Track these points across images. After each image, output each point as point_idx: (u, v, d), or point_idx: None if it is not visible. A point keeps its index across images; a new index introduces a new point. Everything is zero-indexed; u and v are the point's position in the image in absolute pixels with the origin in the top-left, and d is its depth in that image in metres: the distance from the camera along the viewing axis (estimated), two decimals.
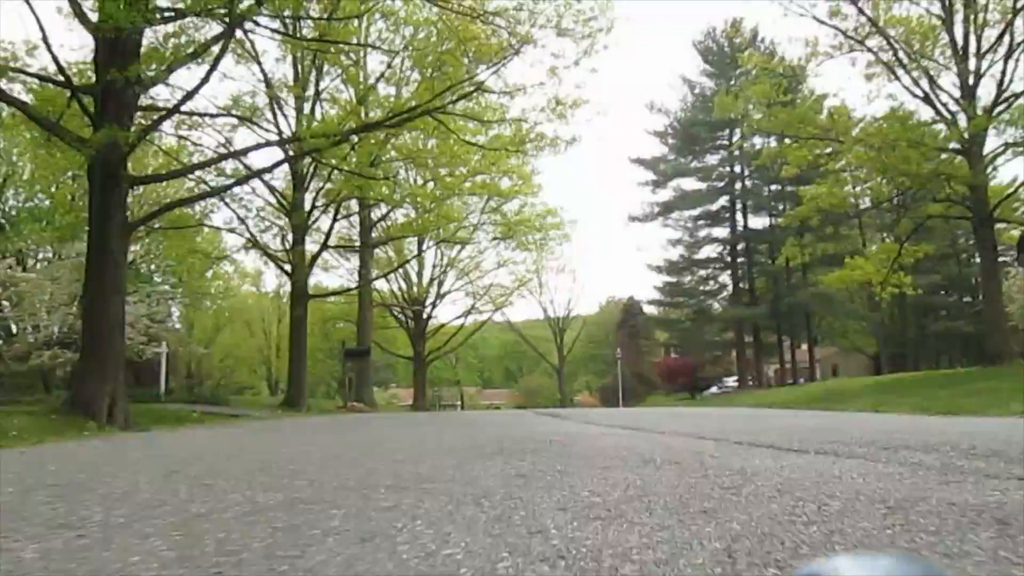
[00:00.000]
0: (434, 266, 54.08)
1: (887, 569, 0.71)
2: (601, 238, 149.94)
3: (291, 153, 22.08)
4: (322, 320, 56.23)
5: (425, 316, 53.71)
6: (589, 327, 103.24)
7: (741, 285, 52.55)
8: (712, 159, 53.71)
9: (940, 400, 16.61)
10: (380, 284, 53.23)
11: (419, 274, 53.52)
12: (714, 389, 68.49)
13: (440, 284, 54.36)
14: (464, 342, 64.06)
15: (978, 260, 57.42)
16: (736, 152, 52.85)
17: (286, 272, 31.63)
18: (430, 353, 54.54)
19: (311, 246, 33.49)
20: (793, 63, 30.25)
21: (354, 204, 35.36)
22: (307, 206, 31.27)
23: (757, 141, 53.84)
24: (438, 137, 24.19)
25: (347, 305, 58.82)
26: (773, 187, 52.52)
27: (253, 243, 30.74)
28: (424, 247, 47.56)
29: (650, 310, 58.94)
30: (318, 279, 51.13)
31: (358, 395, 39.18)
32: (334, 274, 50.94)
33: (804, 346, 57.32)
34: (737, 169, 53.02)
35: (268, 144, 21.19)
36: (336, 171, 29.81)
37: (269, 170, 23.03)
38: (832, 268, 55.83)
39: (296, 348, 30.86)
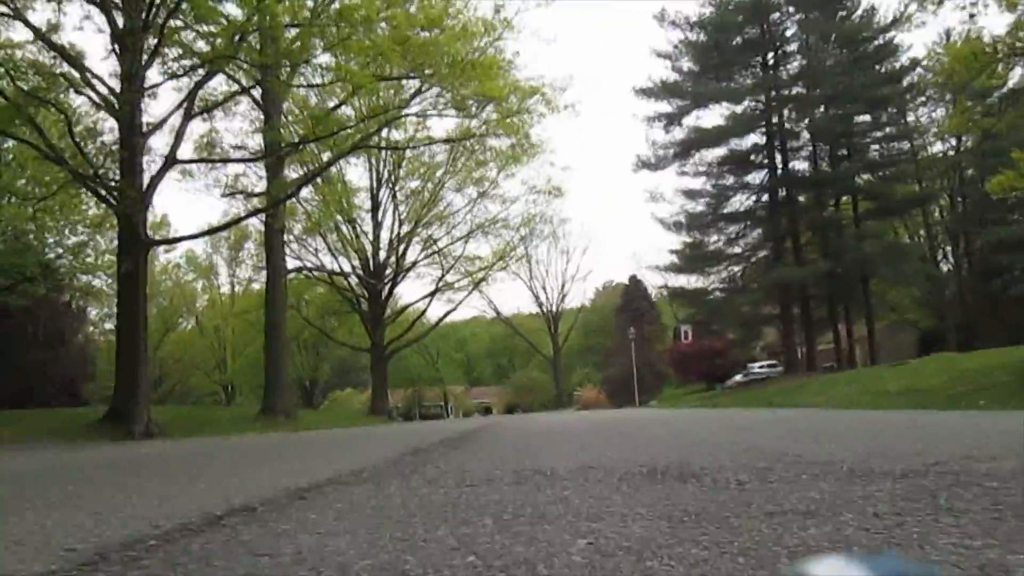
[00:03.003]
0: (395, 237, 41.33)
1: (880, 569, 0.68)
2: (601, 199, 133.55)
3: None
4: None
5: (383, 294, 40.82)
6: (586, 314, 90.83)
7: (786, 244, 39.69)
8: (741, 84, 40.78)
9: None
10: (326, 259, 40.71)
11: (374, 241, 40.65)
12: (738, 378, 56.34)
13: (401, 251, 41.51)
14: (436, 326, 51.28)
15: None
16: (772, 73, 40.02)
17: (107, 201, 18.77)
18: (391, 343, 41.65)
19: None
20: None
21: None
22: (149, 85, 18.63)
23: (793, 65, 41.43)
24: None
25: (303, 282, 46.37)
26: (817, 117, 39.74)
27: (46, 148, 17.77)
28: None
29: (668, 279, 45.88)
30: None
31: None
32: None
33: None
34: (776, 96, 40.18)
35: None
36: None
37: None
38: (888, 219, 43.44)
39: (126, 327, 18.12)
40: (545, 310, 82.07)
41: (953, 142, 45.47)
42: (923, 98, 42.31)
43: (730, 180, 41.21)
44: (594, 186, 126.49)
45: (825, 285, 38.40)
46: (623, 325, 68.43)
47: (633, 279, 73.42)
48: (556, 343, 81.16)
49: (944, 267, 49.07)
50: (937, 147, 46.58)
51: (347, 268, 41.35)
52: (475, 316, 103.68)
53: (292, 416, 25.63)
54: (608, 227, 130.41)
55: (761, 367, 56.16)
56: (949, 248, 48.69)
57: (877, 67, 39.45)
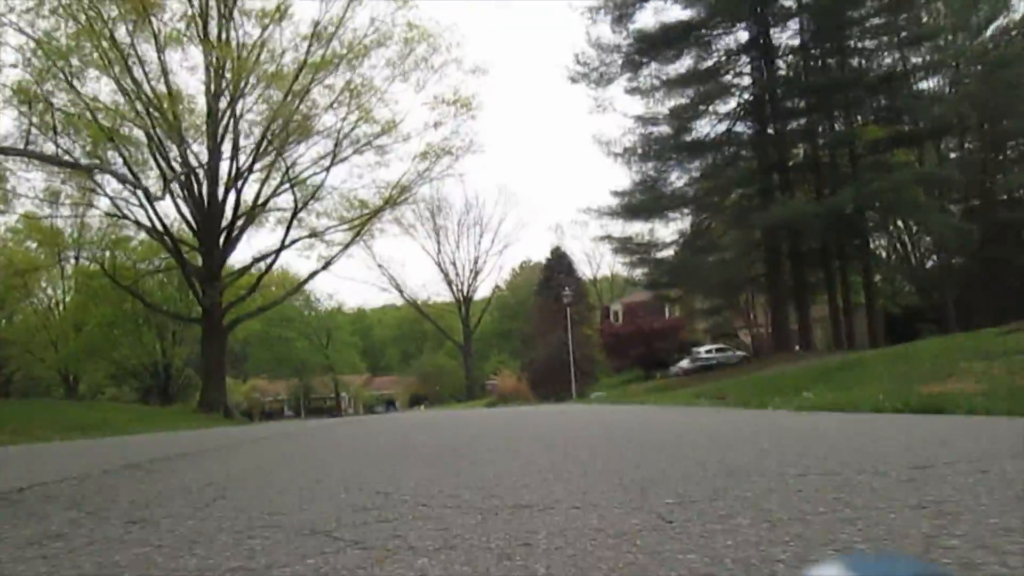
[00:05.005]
0: (239, 167, 28.31)
1: (894, 570, 0.66)
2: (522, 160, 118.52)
3: None
4: None
5: (220, 242, 27.70)
6: (502, 297, 78.91)
7: (773, 179, 28.08)
8: None
9: None
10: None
11: (208, 170, 27.49)
12: (684, 364, 45.32)
13: (246, 182, 28.43)
14: (299, 287, 38.09)
15: None
16: None
17: None
18: (229, 308, 28.48)
19: None
20: None
21: None
22: None
23: None
24: None
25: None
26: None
27: None
28: None
29: (612, 227, 33.29)
30: None
31: None
32: None
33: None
34: None
35: None
36: None
37: None
38: (897, 151, 32.39)
39: None
40: (455, 289, 69.85)
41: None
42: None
43: (699, 95, 29.50)
44: (514, 147, 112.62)
45: (820, 235, 27.41)
46: (545, 305, 57.01)
47: (556, 252, 61.78)
48: (468, 327, 68.87)
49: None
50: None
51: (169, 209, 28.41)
52: (385, 305, 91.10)
53: None
54: (529, 193, 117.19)
55: (708, 351, 45.45)
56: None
57: None
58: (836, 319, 29.41)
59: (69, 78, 23.31)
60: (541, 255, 71.93)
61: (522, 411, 16.35)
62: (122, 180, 23.93)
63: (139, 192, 24.63)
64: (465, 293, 70.06)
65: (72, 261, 46.91)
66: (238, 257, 32.80)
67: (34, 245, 43.74)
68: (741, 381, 20.11)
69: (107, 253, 32.68)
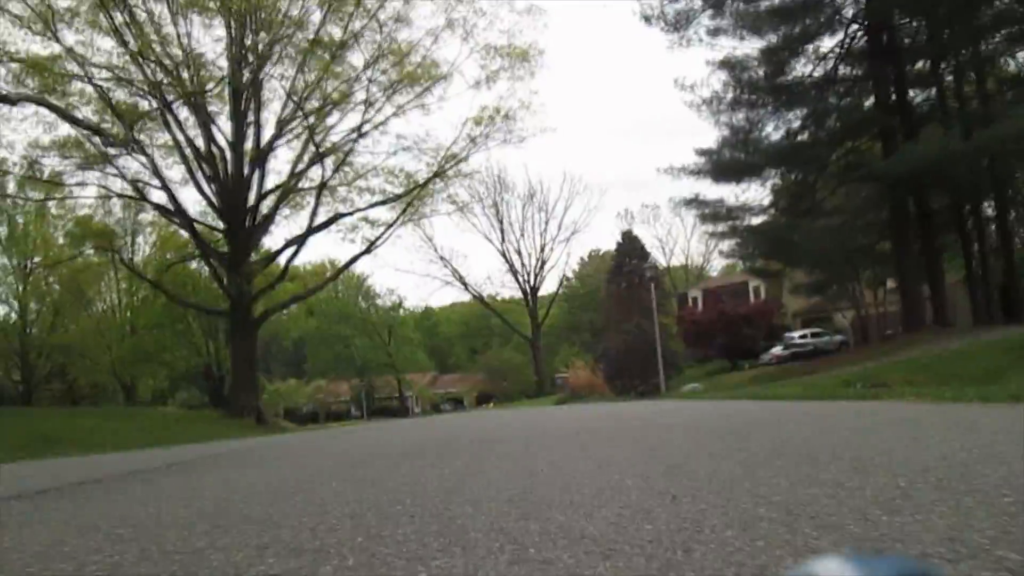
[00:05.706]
0: (264, 143, 24.59)
1: (884, 569, 0.65)
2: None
3: None
4: None
5: (247, 224, 23.93)
6: (571, 288, 74.43)
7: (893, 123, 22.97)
8: None
9: None
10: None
11: (234, 144, 23.76)
12: (777, 351, 40.56)
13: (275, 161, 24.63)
14: (341, 272, 34.24)
15: None
16: None
17: None
18: (258, 297, 24.71)
19: None
20: None
21: None
22: None
23: None
24: None
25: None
26: None
27: None
28: None
29: (695, 188, 28.23)
30: None
31: None
32: None
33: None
34: None
35: None
36: None
37: None
38: None
39: None
40: (522, 280, 65.72)
41: None
42: None
43: (797, 30, 24.52)
44: (577, 127, 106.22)
45: (968, 185, 22.19)
46: (617, 292, 52.43)
47: (627, 235, 56.97)
48: (535, 319, 64.64)
49: None
50: None
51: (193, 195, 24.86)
52: (453, 302, 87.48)
53: None
54: (596, 177, 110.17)
55: (803, 336, 40.46)
56: None
57: None
58: (986, 290, 24.02)
59: (55, 30, 19.87)
60: (610, 245, 66.99)
61: (635, 412, 11.36)
62: (71, 120, 20.42)
63: (119, 151, 21.04)
64: (532, 284, 66.07)
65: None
66: (274, 244, 29.05)
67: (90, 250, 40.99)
68: (883, 367, 15.30)
69: (126, 243, 29.56)
